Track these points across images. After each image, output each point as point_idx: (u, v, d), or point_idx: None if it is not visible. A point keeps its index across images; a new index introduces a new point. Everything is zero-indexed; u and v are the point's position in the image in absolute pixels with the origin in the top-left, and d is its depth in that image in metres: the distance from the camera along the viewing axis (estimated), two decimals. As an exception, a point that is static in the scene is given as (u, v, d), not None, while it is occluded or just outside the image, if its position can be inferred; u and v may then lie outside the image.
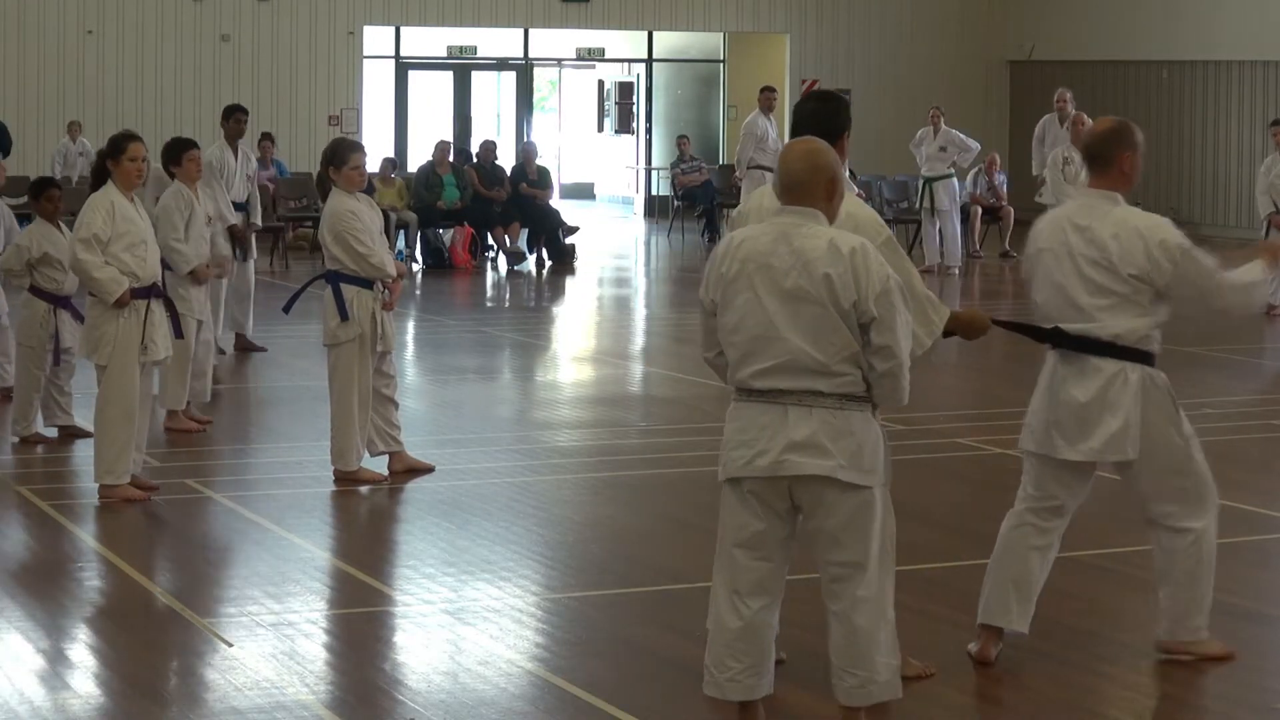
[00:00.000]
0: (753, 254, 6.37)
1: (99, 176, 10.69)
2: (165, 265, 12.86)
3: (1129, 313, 7.36)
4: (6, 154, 23.62)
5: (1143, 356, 7.39)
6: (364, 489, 10.94)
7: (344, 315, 10.92)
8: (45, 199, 12.40)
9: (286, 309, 11.92)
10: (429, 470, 11.26)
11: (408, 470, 11.20)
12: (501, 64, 33.44)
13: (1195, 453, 7.48)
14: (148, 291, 10.61)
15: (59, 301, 12.24)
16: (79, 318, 11.97)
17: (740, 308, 6.37)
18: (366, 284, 10.99)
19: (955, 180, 24.78)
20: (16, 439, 12.14)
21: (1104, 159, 7.49)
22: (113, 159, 10.59)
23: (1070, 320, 7.42)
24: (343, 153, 11.05)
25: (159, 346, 10.67)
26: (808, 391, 6.30)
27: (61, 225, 12.36)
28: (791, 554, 6.60)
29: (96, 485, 10.54)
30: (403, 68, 32.14)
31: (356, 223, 10.92)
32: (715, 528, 10.18)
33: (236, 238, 15.68)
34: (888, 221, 29.34)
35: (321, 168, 11.15)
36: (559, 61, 35.17)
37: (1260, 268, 7.48)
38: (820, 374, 6.29)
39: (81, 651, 7.98)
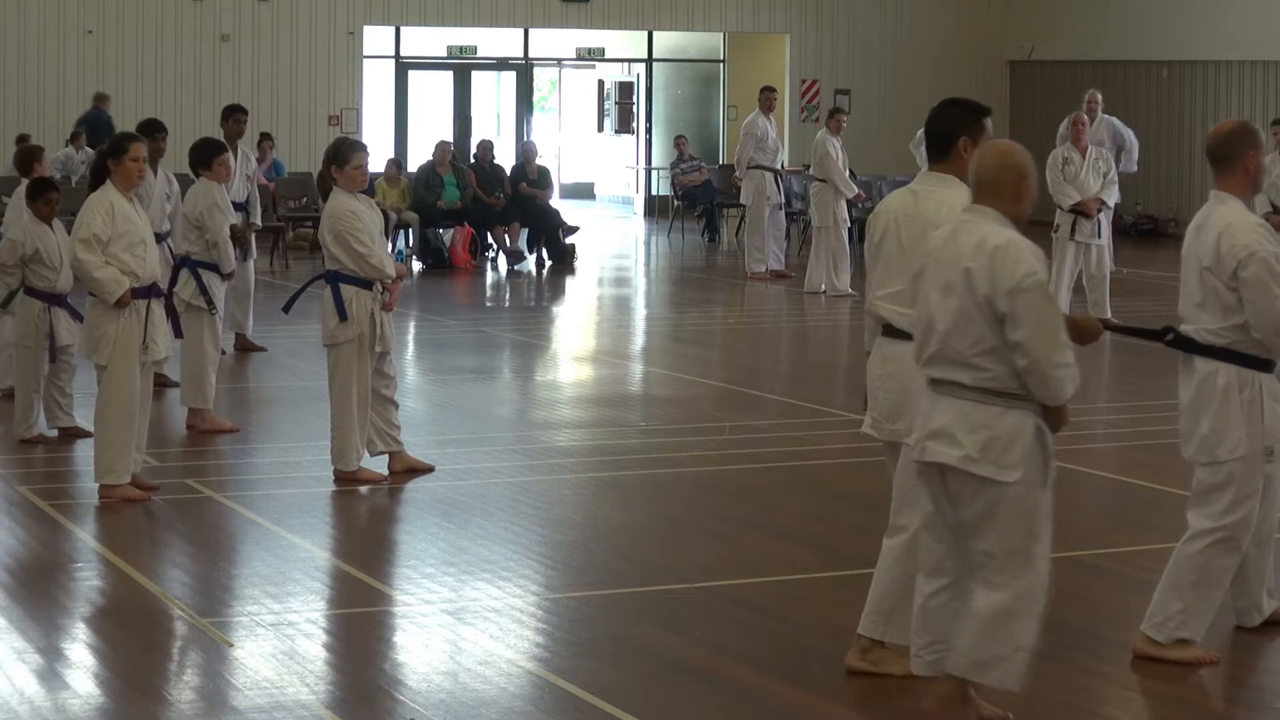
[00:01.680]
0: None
1: (98, 175, 10.68)
2: (197, 265, 13.03)
3: (1216, 312, 7.42)
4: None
5: (1237, 358, 7.41)
6: (364, 489, 10.94)
7: (342, 315, 10.91)
8: (43, 201, 12.37)
9: (286, 309, 11.92)
10: (429, 470, 11.26)
11: (408, 470, 11.19)
12: (501, 64, 33.42)
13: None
14: (148, 291, 10.61)
15: (54, 300, 12.23)
16: (76, 316, 11.98)
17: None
18: (366, 284, 10.97)
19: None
20: (18, 440, 12.13)
21: (1229, 159, 7.53)
22: (114, 159, 10.58)
23: (1189, 321, 7.54)
24: (345, 152, 11.03)
25: (160, 346, 10.67)
26: (953, 382, 6.51)
27: (55, 225, 12.34)
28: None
29: (96, 485, 10.54)
30: (403, 68, 32.12)
31: (357, 222, 10.91)
32: (714, 527, 10.23)
33: (236, 237, 15.69)
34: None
35: (324, 167, 11.13)
36: (559, 61, 35.16)
37: None
38: (961, 365, 6.48)
39: (81, 651, 7.98)
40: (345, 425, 10.97)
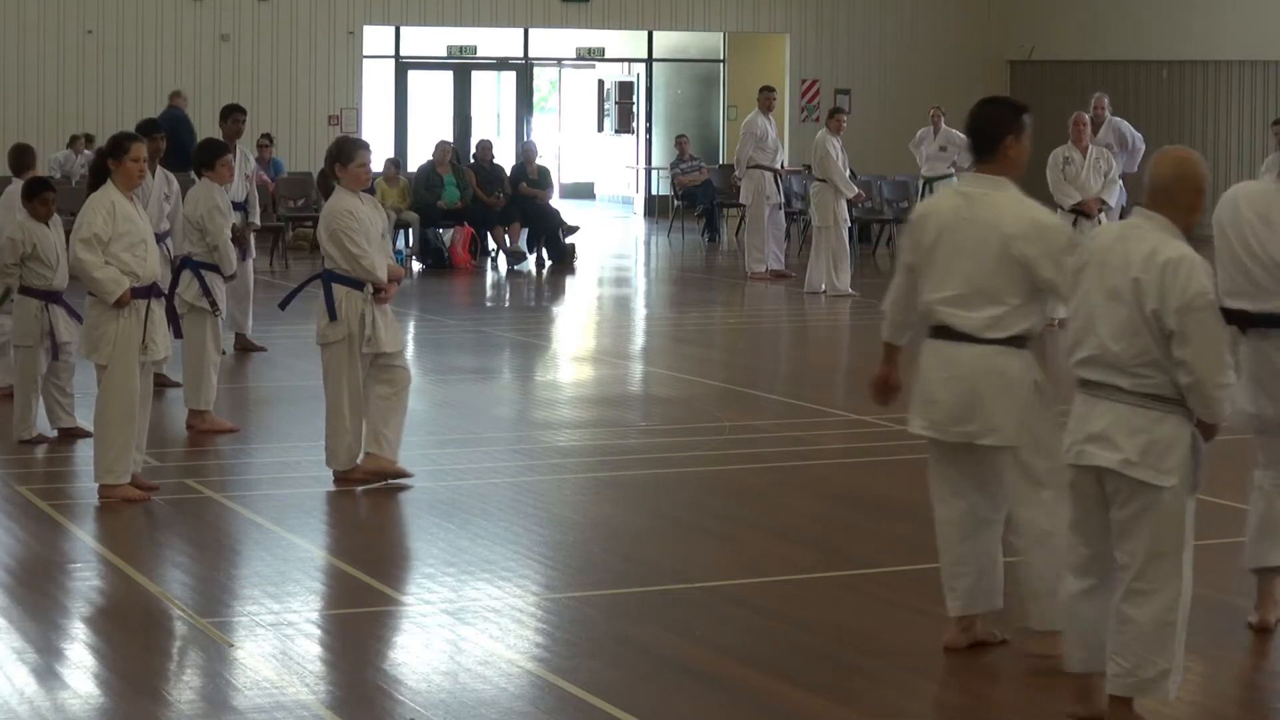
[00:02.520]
0: (1097, 249, 6.68)
1: (98, 175, 10.67)
2: (199, 266, 13.02)
3: None
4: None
5: None
6: (358, 489, 10.89)
7: (332, 315, 10.85)
8: (39, 201, 12.34)
9: (283, 306, 11.86)
10: (402, 475, 11.06)
11: (376, 471, 11.00)
12: (501, 64, 33.43)
13: None
14: (148, 291, 10.60)
15: (50, 297, 12.21)
16: (74, 314, 11.97)
17: (1078, 298, 6.67)
18: (357, 284, 10.91)
19: (955, 180, 24.75)
20: (18, 441, 12.12)
21: None
22: (114, 159, 10.56)
23: (1260, 299, 7.77)
24: (349, 150, 11.01)
25: (159, 346, 10.67)
26: (1111, 386, 6.54)
27: (52, 222, 12.34)
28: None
29: (96, 485, 10.53)
30: (403, 68, 32.13)
31: (352, 222, 10.87)
32: (714, 527, 10.23)
33: (235, 237, 15.69)
34: (887, 221, 29.17)
35: (326, 165, 11.05)
36: (559, 61, 35.17)
37: None
38: (1121, 371, 6.52)
39: (81, 651, 7.97)
40: (337, 425, 10.92)
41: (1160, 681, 6.59)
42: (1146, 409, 6.48)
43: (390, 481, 11.02)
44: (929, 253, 7.46)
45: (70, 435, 12.22)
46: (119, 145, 10.62)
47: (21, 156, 13.81)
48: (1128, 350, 6.48)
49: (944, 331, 7.43)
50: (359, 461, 10.99)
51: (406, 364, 11.30)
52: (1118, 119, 21.74)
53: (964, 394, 7.36)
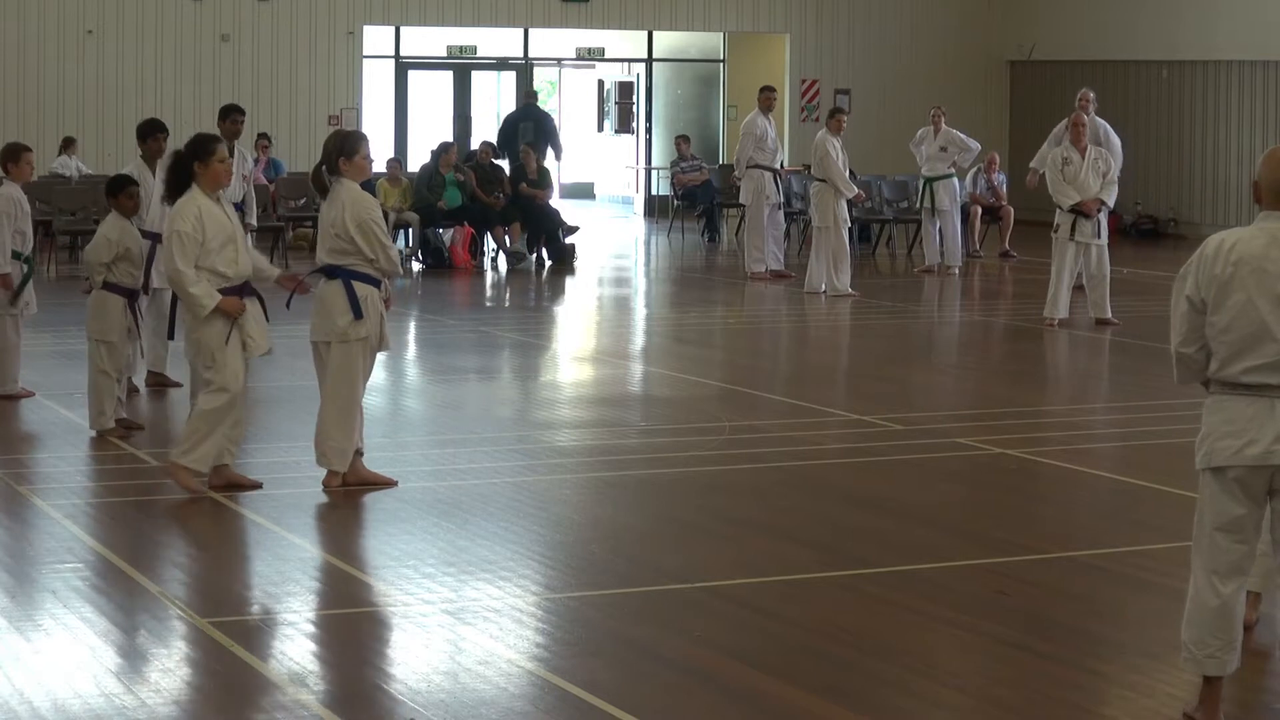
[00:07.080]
0: (1246, 257, 6.64)
1: (181, 177, 10.68)
2: None
3: None
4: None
5: None
6: (332, 491, 10.89)
7: (358, 314, 10.80)
8: (125, 196, 12.61)
9: (289, 304, 11.83)
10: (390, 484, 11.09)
11: (361, 481, 11.04)
12: (501, 64, 33.44)
13: None
14: (239, 290, 10.68)
15: (133, 296, 12.56)
16: (135, 315, 12.48)
17: (1232, 308, 6.64)
18: (375, 282, 10.90)
19: (955, 180, 24.78)
20: (94, 433, 12.26)
21: None
22: (201, 161, 10.69)
23: None
24: (354, 142, 10.99)
25: (258, 343, 10.79)
26: None
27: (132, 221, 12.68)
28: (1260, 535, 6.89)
29: (171, 461, 10.66)
30: (403, 68, 32.14)
31: (379, 212, 10.93)
32: (714, 527, 10.23)
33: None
34: (887, 221, 29.12)
35: (326, 159, 10.96)
36: (559, 61, 35.18)
37: None
38: None
39: (80, 652, 7.97)
40: (347, 426, 10.89)
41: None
42: None
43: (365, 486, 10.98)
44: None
45: (127, 427, 12.38)
46: (204, 148, 10.75)
47: (17, 152, 13.83)
48: None
49: None
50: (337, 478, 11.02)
51: None
52: (1099, 119, 21.67)
53: None
